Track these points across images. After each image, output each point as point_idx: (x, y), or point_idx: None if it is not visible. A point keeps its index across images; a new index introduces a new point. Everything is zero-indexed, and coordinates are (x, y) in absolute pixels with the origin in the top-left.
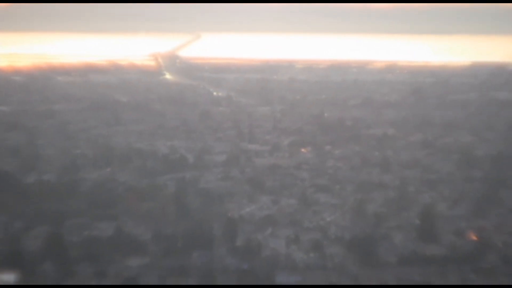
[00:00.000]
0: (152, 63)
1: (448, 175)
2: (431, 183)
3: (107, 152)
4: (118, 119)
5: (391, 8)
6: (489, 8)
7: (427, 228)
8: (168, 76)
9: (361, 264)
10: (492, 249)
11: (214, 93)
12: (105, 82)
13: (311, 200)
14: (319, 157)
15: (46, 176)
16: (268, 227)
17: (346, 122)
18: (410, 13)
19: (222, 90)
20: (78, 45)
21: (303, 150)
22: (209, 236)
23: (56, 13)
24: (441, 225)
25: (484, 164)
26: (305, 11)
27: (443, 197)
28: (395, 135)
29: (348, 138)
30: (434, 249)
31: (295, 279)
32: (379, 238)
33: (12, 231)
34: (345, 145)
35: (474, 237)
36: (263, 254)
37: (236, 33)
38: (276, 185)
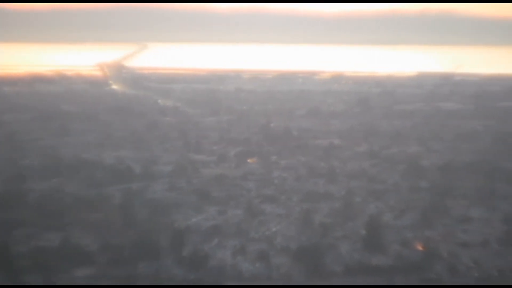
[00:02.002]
0: (98, 73)
1: (394, 185)
2: (377, 193)
3: (55, 163)
4: (65, 129)
5: (337, 17)
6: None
7: (373, 238)
8: (114, 86)
9: (307, 274)
10: (438, 259)
11: (161, 103)
12: (52, 92)
13: (258, 211)
14: (265, 168)
15: None
16: (214, 238)
17: (293, 132)
18: (355, 23)
19: (168, 100)
20: (24, 55)
21: (249, 160)
22: (155, 246)
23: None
24: (387, 235)
25: (430, 174)
26: (250, 20)
27: (389, 207)
28: (341, 145)
29: (295, 149)
30: (380, 259)
31: None
32: (325, 248)
33: None
34: (292, 156)
35: (420, 247)
36: (209, 264)
37: (184, 43)
38: (222, 195)
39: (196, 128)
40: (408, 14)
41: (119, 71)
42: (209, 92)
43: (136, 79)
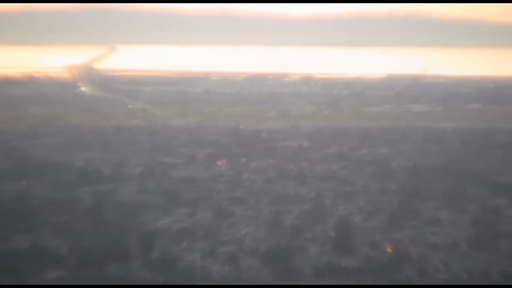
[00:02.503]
0: (68, 75)
1: (364, 187)
2: (347, 195)
3: (23, 165)
4: (34, 131)
5: (306, 19)
6: (405, 17)
7: (342, 240)
8: (83, 88)
9: (276, 276)
10: (407, 260)
11: (130, 106)
12: (21, 94)
13: (227, 213)
14: (234, 170)
15: None
16: (184, 240)
17: (262, 135)
18: (324, 24)
19: (137, 102)
20: None
21: (218, 162)
22: (124, 248)
23: None
24: (356, 237)
25: (399, 176)
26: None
27: (358, 209)
28: (310, 147)
29: (264, 151)
30: (350, 261)
31: None
32: (295, 250)
33: None
34: (261, 158)
35: (389, 249)
36: (178, 266)
37: (153, 45)
38: (191, 197)
39: (164, 130)
40: (377, 16)
41: (89, 73)
42: (178, 94)
43: (105, 82)
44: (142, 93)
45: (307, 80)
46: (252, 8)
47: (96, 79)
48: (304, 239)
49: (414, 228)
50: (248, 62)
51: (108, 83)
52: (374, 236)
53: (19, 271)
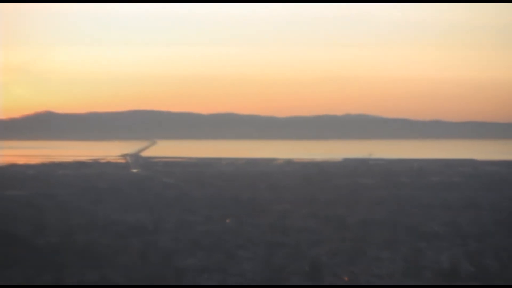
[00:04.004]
0: (122, 160)
1: (328, 236)
2: (317, 242)
3: (93, 222)
4: (100, 199)
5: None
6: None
7: (315, 272)
8: (134, 170)
9: None
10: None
11: (165, 181)
12: (90, 174)
13: (234, 254)
14: (238, 225)
15: (53, 238)
16: (204, 273)
17: (257, 201)
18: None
19: (170, 179)
20: (69, 148)
21: (227, 220)
22: (165, 280)
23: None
24: (324, 270)
25: (353, 228)
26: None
27: (325, 252)
28: (291, 209)
29: (258, 212)
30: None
31: None
32: (282, 279)
33: None
34: (256, 216)
35: (346, 278)
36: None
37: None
38: (209, 244)
39: (189, 198)
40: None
41: (137, 159)
42: (199, 173)
43: (148, 165)
44: (174, 173)
45: (289, 163)
46: (250, 109)
47: (142, 163)
48: (288, 272)
49: (364, 263)
50: (247, 151)
51: (150, 166)
52: (336, 269)
53: None
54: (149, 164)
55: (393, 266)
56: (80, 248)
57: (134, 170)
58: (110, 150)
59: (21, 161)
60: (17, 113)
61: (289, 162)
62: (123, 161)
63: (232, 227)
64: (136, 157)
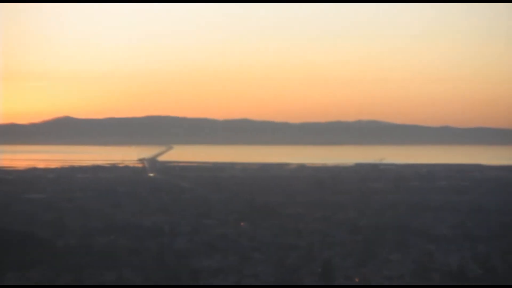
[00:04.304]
0: (140, 165)
1: (340, 239)
2: (329, 244)
3: (111, 224)
4: (118, 202)
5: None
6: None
7: (327, 274)
8: (151, 174)
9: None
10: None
11: (181, 185)
12: (109, 177)
13: (248, 257)
14: (252, 228)
15: (72, 240)
16: (219, 274)
17: (270, 205)
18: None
19: (186, 183)
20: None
21: (242, 223)
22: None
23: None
24: (336, 272)
25: (365, 231)
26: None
27: (337, 254)
28: (304, 213)
29: (271, 215)
30: None
31: None
32: (295, 280)
33: None
34: (270, 220)
35: (357, 279)
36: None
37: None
38: (224, 246)
39: (204, 201)
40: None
41: (154, 164)
42: (214, 177)
43: (165, 169)
44: (189, 177)
45: (301, 167)
46: (264, 115)
47: (159, 167)
48: (301, 273)
49: (375, 265)
50: (261, 156)
51: (167, 170)
52: (348, 271)
53: None
54: (166, 168)
55: (403, 268)
56: (98, 249)
57: (151, 174)
58: (128, 155)
59: (41, 165)
60: (37, 118)
61: (301, 167)
62: (140, 165)
63: (247, 230)
64: (153, 161)
